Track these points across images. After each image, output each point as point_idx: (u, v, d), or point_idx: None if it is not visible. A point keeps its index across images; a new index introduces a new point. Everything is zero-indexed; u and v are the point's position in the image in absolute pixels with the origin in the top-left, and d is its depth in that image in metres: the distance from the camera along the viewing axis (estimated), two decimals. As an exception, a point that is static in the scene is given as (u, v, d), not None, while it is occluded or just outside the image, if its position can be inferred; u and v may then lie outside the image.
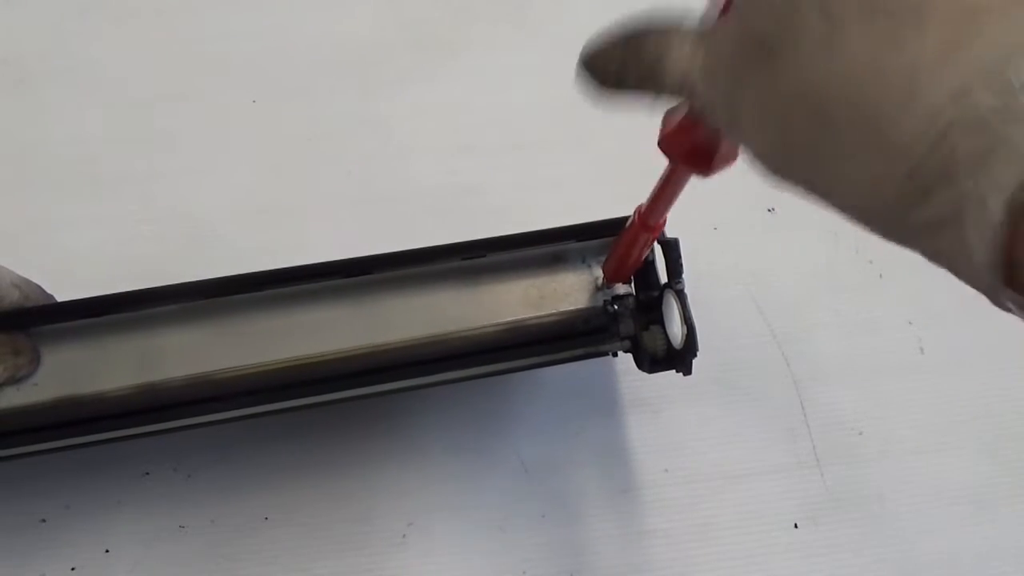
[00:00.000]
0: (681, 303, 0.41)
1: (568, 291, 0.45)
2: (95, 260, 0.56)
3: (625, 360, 0.54)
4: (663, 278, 0.44)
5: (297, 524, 0.50)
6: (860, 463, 0.53)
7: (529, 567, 0.49)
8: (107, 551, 0.49)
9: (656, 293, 0.44)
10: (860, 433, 0.54)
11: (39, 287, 0.42)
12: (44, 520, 0.49)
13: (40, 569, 0.48)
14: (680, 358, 0.42)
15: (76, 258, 0.56)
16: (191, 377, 0.42)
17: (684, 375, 0.42)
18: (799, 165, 0.22)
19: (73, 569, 0.48)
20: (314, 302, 0.44)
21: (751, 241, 0.58)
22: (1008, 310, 0.20)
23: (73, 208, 0.58)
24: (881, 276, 0.58)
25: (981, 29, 0.18)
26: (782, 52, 0.21)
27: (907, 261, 0.61)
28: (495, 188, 0.60)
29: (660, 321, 0.44)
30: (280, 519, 0.50)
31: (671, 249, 0.43)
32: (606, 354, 0.46)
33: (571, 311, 0.45)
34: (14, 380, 0.40)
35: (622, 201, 0.60)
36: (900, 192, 0.19)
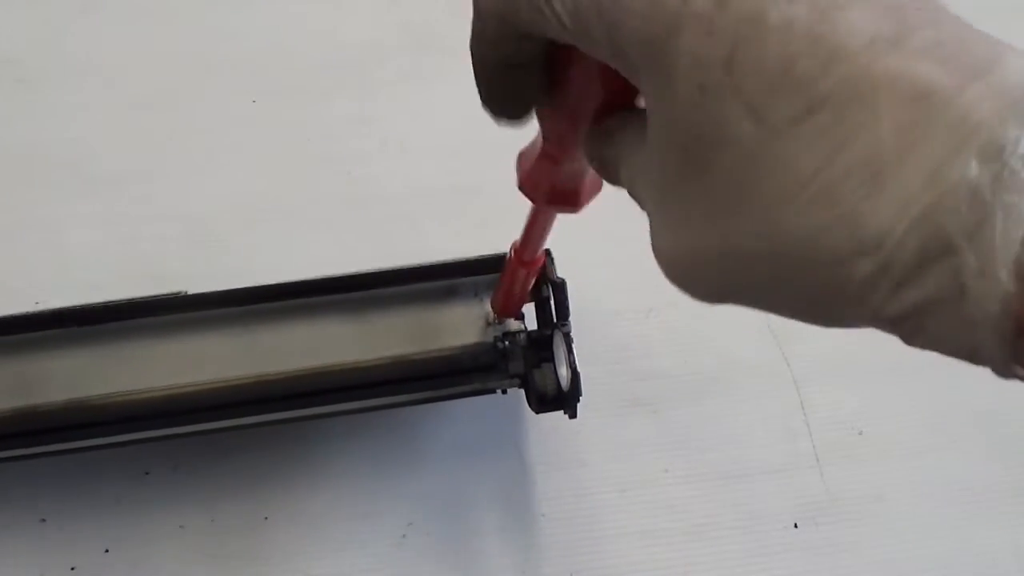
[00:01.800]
0: (567, 346, 0.41)
1: (459, 326, 0.45)
2: (95, 260, 0.56)
3: (624, 360, 0.54)
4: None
5: (297, 524, 0.50)
6: (860, 463, 0.53)
7: (529, 567, 0.49)
8: (107, 551, 0.49)
9: (548, 332, 0.44)
10: (860, 433, 0.54)
11: None
12: (44, 520, 0.49)
13: (40, 569, 0.48)
14: (566, 400, 0.42)
15: (76, 258, 0.56)
16: (70, 402, 0.43)
17: (570, 418, 0.42)
18: (737, 284, 0.21)
19: (73, 569, 0.48)
20: (202, 330, 0.44)
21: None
22: (1019, 378, 0.18)
23: (73, 208, 0.58)
24: (881, 276, 0.58)
25: (945, 104, 0.17)
26: (711, 167, 0.19)
27: (907, 261, 0.59)
28: (495, 188, 0.59)
29: (551, 359, 0.43)
30: (280, 519, 0.50)
31: (559, 290, 0.42)
32: (495, 391, 0.46)
33: (459, 347, 0.45)
34: None
35: (622, 200, 0.60)
36: (865, 292, 0.18)
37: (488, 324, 0.45)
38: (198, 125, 0.61)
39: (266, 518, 0.50)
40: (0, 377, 0.43)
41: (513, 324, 0.44)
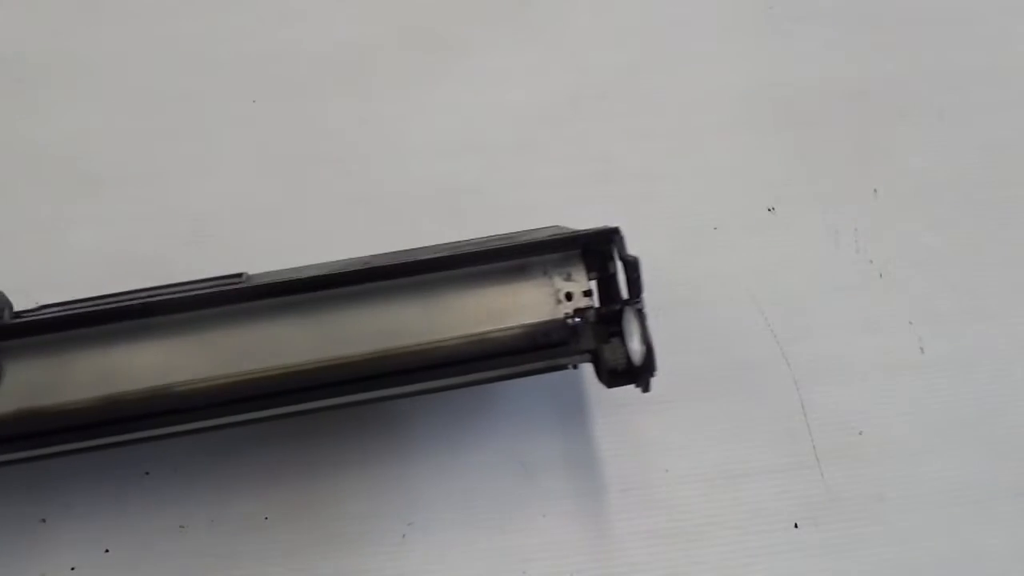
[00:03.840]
0: (640, 322, 0.42)
1: (529, 304, 0.45)
2: (95, 260, 0.56)
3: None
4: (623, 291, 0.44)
5: (297, 524, 0.50)
6: (860, 463, 0.53)
7: (529, 567, 0.49)
8: (107, 551, 0.49)
9: (617, 307, 0.44)
10: (860, 433, 0.54)
11: None
12: (44, 520, 0.49)
13: (40, 569, 0.48)
14: (639, 375, 0.42)
15: (76, 258, 0.56)
16: (151, 390, 0.43)
17: (643, 391, 0.42)
18: None
19: (73, 569, 0.48)
20: (278, 316, 0.44)
21: (751, 241, 0.58)
22: None
23: (73, 208, 0.58)
24: (881, 276, 0.58)
25: None
26: None
27: (907, 261, 0.61)
28: (495, 188, 0.60)
29: (620, 335, 0.44)
30: (280, 519, 0.50)
31: (632, 268, 0.43)
32: (566, 367, 0.46)
33: (531, 324, 0.45)
34: None
35: (622, 201, 0.60)
36: None
37: (558, 302, 0.45)
38: (198, 125, 0.61)
39: (266, 518, 0.50)
40: (81, 369, 0.43)
41: (582, 301, 0.44)
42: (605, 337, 0.44)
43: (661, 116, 0.63)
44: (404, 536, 0.50)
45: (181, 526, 0.49)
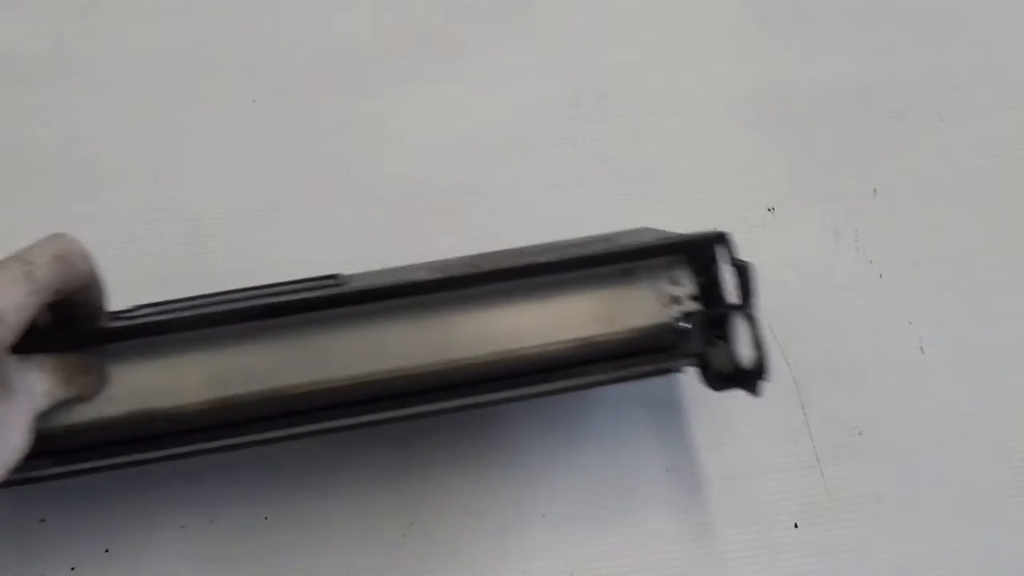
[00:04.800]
0: (754, 327, 0.42)
1: (637, 307, 0.45)
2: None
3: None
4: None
5: (297, 524, 0.50)
6: (860, 463, 0.53)
7: (529, 567, 0.49)
8: (107, 551, 0.49)
9: (723, 310, 0.44)
10: (860, 433, 0.54)
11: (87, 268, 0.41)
12: (44, 520, 0.49)
13: (40, 569, 0.48)
14: (748, 379, 0.42)
15: (76, 258, 0.56)
16: (263, 392, 0.42)
17: (753, 395, 0.42)
18: None
19: (73, 569, 0.48)
20: (385, 319, 0.43)
21: (751, 241, 0.58)
22: None
23: (73, 208, 0.58)
24: (881, 276, 0.58)
25: None
26: None
27: (907, 261, 0.61)
28: (495, 188, 0.60)
29: (725, 338, 0.44)
30: (280, 519, 0.50)
31: (743, 272, 0.43)
32: (674, 371, 0.46)
33: (639, 327, 0.44)
34: (81, 399, 0.40)
35: (622, 201, 0.60)
36: None
37: (665, 305, 0.45)
38: (198, 125, 0.61)
39: (266, 518, 0.50)
40: (190, 371, 0.42)
41: (688, 304, 0.44)
42: (711, 341, 0.43)
43: (661, 116, 0.63)
44: (404, 536, 0.50)
45: (181, 526, 0.49)
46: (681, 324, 0.44)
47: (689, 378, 0.52)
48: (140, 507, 0.50)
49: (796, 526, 0.51)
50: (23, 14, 0.64)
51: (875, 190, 0.61)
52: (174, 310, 0.44)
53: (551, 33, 0.66)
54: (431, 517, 0.50)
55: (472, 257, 0.50)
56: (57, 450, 0.41)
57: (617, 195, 0.60)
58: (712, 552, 0.50)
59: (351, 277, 0.48)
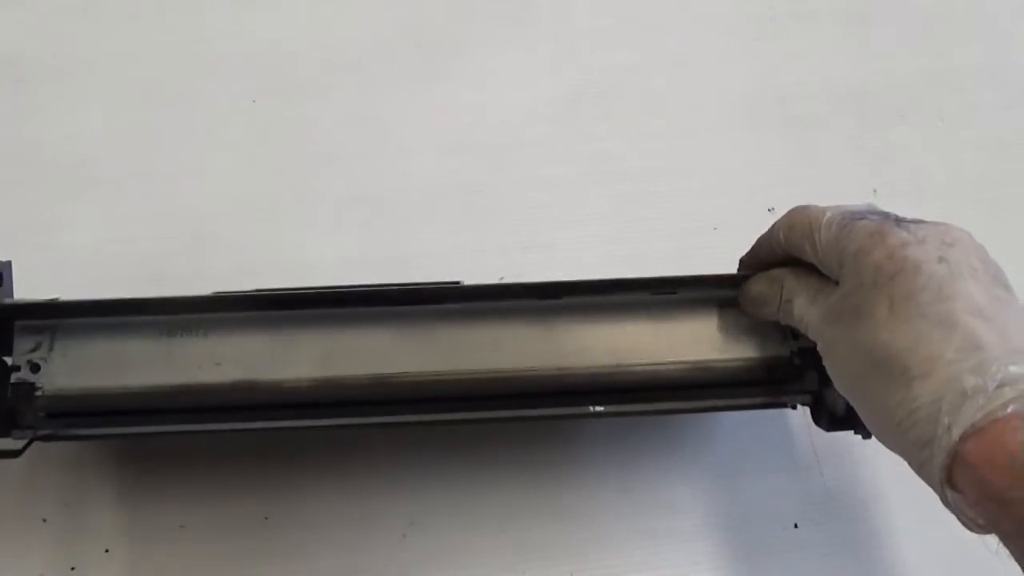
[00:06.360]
0: None
1: (754, 337, 0.44)
2: (95, 260, 0.56)
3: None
4: None
5: (297, 524, 0.50)
6: (860, 463, 0.53)
7: (529, 567, 0.49)
8: (107, 551, 0.49)
9: None
10: (860, 433, 0.54)
11: None
12: (44, 520, 0.49)
13: (40, 569, 0.48)
14: (860, 423, 0.40)
15: (76, 258, 0.56)
16: (370, 377, 0.43)
17: (864, 438, 0.42)
18: (852, 391, 0.36)
19: (73, 569, 0.48)
20: (500, 319, 0.44)
21: (751, 241, 0.58)
22: (948, 506, 0.33)
23: (73, 208, 0.58)
24: (881, 276, 0.58)
25: (981, 346, 0.31)
26: (860, 321, 0.35)
27: (907, 261, 0.58)
28: (495, 188, 0.60)
29: None
30: (280, 519, 0.50)
31: None
32: (785, 405, 0.45)
33: (756, 357, 0.44)
34: None
35: (622, 201, 0.60)
36: (903, 421, 0.33)
37: (784, 338, 0.44)
38: (198, 125, 0.61)
39: (266, 518, 0.50)
40: (301, 348, 0.43)
41: (808, 341, 0.41)
42: (826, 379, 0.42)
43: (661, 116, 0.63)
44: (404, 536, 0.50)
45: (181, 526, 0.49)
46: (797, 359, 0.44)
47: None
48: (140, 507, 0.50)
49: (796, 526, 0.51)
50: (23, 14, 0.64)
51: (875, 190, 0.61)
52: (294, 290, 0.44)
53: (551, 33, 0.66)
54: (431, 517, 0.50)
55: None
56: (161, 408, 0.42)
57: (617, 195, 0.60)
58: (712, 552, 0.50)
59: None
